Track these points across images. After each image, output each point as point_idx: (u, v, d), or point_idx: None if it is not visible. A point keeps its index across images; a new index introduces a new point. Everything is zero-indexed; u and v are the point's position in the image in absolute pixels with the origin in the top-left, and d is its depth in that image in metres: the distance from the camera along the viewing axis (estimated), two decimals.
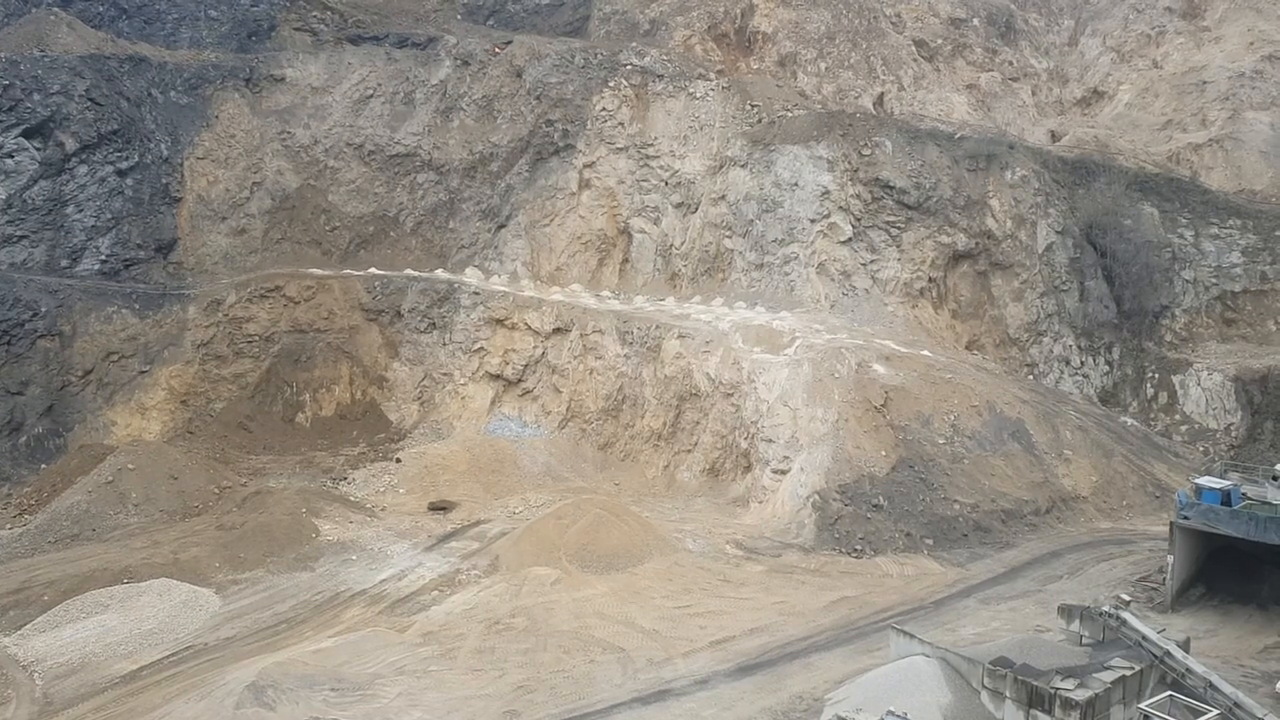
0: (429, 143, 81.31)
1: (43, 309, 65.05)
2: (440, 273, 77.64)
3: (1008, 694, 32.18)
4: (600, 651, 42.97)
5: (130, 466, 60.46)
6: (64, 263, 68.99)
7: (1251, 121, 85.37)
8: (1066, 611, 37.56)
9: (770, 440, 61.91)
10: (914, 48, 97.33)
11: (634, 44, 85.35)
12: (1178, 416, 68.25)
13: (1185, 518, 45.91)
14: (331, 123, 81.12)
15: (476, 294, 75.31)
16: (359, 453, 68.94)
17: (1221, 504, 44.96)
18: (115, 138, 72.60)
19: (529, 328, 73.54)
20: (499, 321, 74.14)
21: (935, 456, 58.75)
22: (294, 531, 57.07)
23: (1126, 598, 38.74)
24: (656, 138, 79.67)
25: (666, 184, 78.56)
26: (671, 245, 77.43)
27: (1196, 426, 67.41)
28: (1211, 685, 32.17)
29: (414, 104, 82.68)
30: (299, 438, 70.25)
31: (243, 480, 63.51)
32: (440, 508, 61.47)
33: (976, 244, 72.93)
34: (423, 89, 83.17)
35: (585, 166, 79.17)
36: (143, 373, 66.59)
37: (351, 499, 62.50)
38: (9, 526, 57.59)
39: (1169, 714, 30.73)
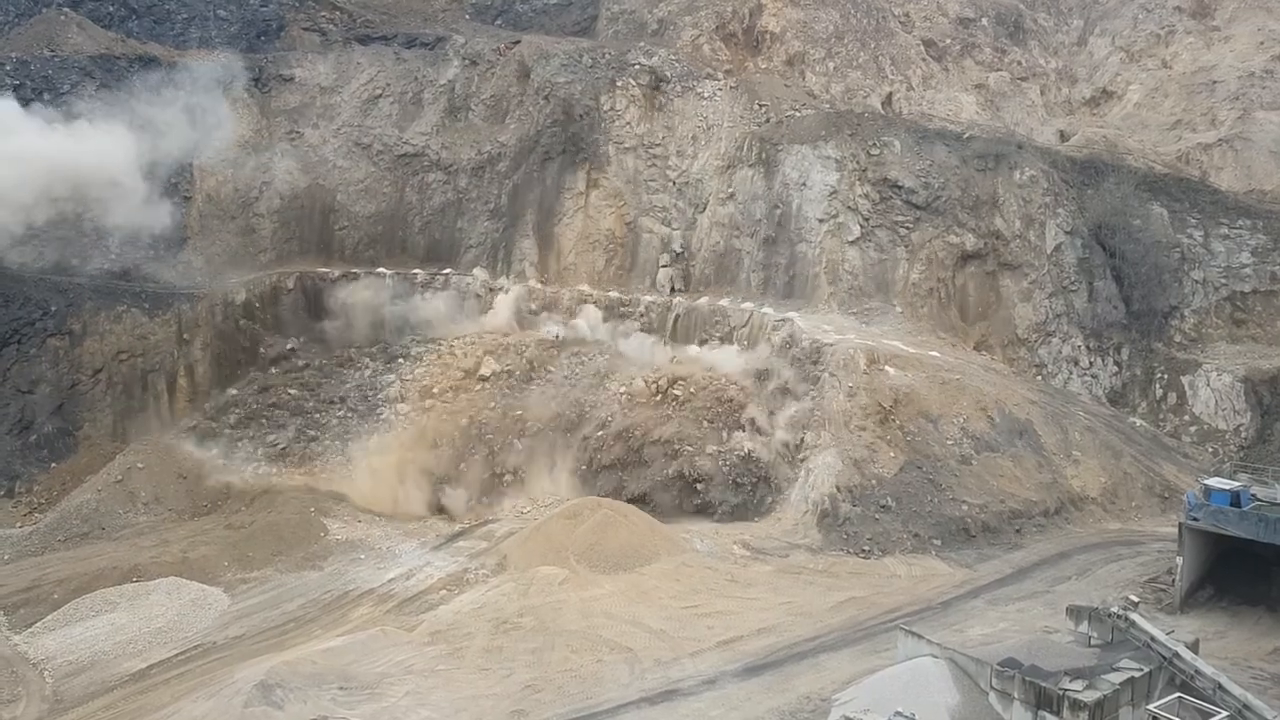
0: (437, 142, 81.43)
1: (53, 308, 65.25)
2: (448, 272, 77.76)
3: (1016, 695, 32.10)
4: (608, 651, 42.99)
5: (139, 465, 60.79)
6: (74, 261, 69.17)
7: (1262, 121, 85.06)
8: (1075, 612, 37.44)
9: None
10: (922, 47, 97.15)
11: (642, 44, 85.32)
12: (1187, 417, 68.06)
13: (1194, 519, 45.78)
14: (340, 122, 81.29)
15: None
16: None
17: (1231, 505, 44.80)
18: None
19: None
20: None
21: (943, 457, 58.69)
22: (302, 531, 57.32)
23: (1135, 599, 38.57)
24: (664, 137, 79.67)
25: (674, 184, 78.55)
26: (679, 245, 77.34)
27: (1206, 427, 67.22)
28: (1220, 687, 32.06)
29: (422, 104, 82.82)
30: None
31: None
32: None
33: (985, 244, 72.83)
34: (431, 89, 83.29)
35: (593, 166, 79.18)
36: (152, 372, 66.76)
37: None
38: (19, 525, 57.88)
39: (1178, 715, 30.63)
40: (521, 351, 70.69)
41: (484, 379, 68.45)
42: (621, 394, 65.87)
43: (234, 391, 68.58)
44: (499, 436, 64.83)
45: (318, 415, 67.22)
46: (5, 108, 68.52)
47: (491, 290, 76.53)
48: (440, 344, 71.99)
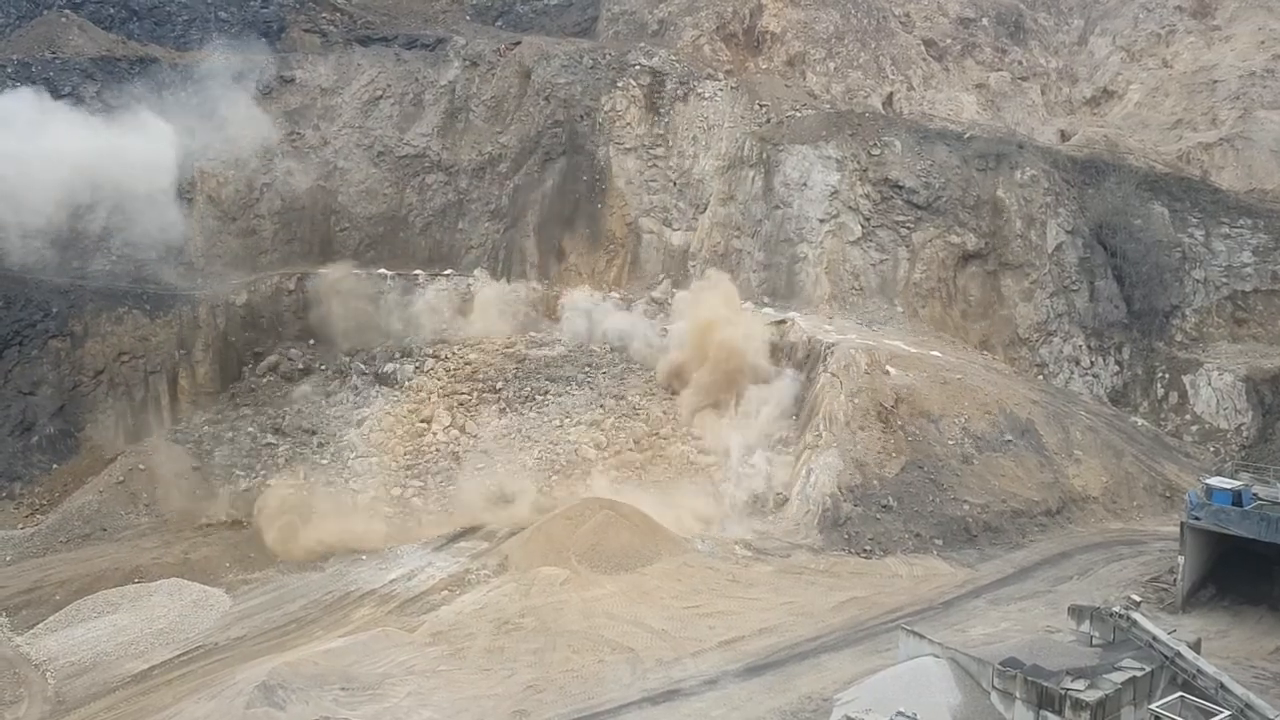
0: (438, 144, 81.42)
1: (54, 310, 65.25)
2: (450, 273, 77.71)
3: (1018, 695, 32.10)
4: (609, 651, 43.00)
5: (141, 467, 60.77)
6: (75, 264, 69.21)
7: (1262, 120, 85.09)
8: (1077, 612, 37.46)
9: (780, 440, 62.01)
10: (923, 47, 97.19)
11: (642, 44, 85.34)
12: (1188, 417, 68.04)
13: (1196, 518, 45.80)
14: (341, 124, 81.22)
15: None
16: None
17: (1232, 505, 44.84)
18: None
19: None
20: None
21: (945, 457, 58.68)
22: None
23: (1137, 598, 38.60)
24: (665, 138, 79.72)
25: (675, 184, 78.56)
26: (680, 245, 77.35)
27: (1207, 427, 67.19)
28: (1223, 686, 32.06)
29: (423, 105, 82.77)
30: None
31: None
32: None
33: (986, 244, 72.88)
34: (432, 90, 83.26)
35: (593, 167, 79.15)
36: (154, 373, 66.78)
37: None
38: (21, 526, 57.80)
39: (1180, 715, 30.62)
40: (481, 393, 68.56)
41: (435, 435, 65.89)
42: (551, 472, 62.21)
43: (223, 409, 67.58)
44: (430, 509, 61.14)
45: (294, 449, 65.19)
46: (12, 106, 68.50)
47: (470, 292, 75.64)
48: (425, 366, 70.90)
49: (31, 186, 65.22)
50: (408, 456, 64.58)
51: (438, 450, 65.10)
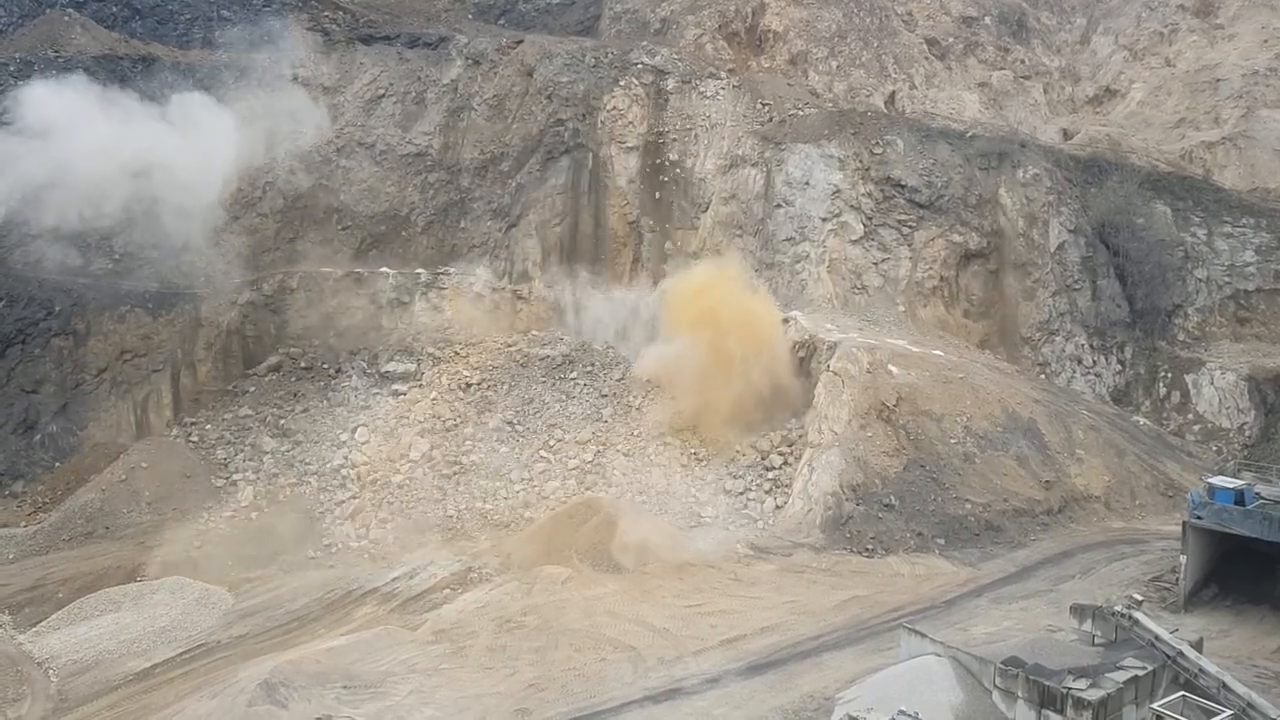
0: (440, 142, 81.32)
1: (57, 308, 65.32)
2: (452, 272, 77.66)
3: (1020, 694, 32.11)
4: (611, 650, 43.04)
5: (144, 465, 60.82)
6: (78, 262, 69.25)
7: (1265, 119, 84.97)
8: (1079, 611, 37.47)
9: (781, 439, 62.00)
10: (925, 46, 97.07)
11: (644, 43, 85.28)
12: (1191, 416, 68.00)
13: (1198, 517, 45.81)
14: (343, 122, 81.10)
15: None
16: None
17: (1235, 504, 44.86)
18: None
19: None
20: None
21: (947, 456, 58.67)
22: (306, 529, 57.30)
23: (1139, 597, 38.60)
24: (667, 137, 79.67)
25: (676, 183, 78.54)
26: (681, 244, 77.31)
27: (1209, 426, 67.15)
28: (1225, 686, 32.05)
29: (425, 104, 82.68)
30: None
31: None
32: None
33: (988, 243, 72.84)
34: (434, 89, 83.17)
35: (595, 166, 79.14)
36: (156, 371, 66.85)
37: None
38: (23, 524, 57.90)
39: (1182, 714, 30.61)
40: (478, 399, 68.19)
41: (413, 462, 64.23)
42: (548, 480, 61.68)
43: (225, 408, 67.39)
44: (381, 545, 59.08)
45: (286, 455, 64.82)
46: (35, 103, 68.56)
47: (472, 291, 75.57)
48: (425, 367, 70.69)
49: (56, 185, 65.26)
50: (379, 487, 63.07)
51: (424, 472, 63.82)
